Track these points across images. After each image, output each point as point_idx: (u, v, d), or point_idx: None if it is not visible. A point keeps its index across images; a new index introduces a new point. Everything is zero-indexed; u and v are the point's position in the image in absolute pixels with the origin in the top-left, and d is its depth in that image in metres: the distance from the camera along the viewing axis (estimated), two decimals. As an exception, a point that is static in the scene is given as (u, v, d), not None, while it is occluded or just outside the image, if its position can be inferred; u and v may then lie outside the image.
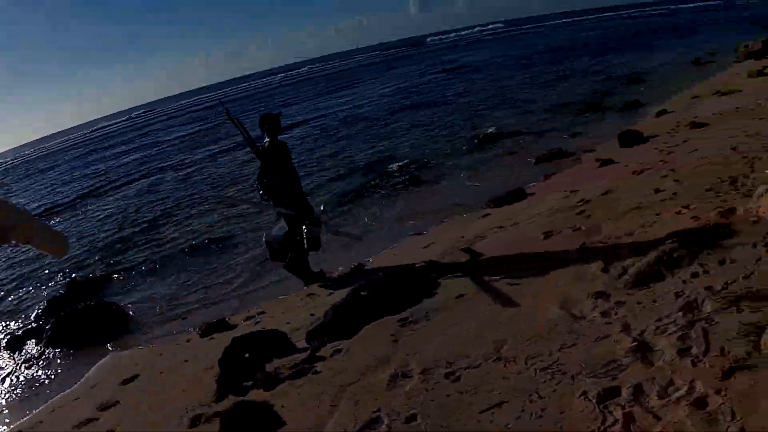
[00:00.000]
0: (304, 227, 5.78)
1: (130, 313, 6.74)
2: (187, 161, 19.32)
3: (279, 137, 5.84)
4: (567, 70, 21.17)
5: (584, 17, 76.72)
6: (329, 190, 10.56)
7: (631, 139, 8.07)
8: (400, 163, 11.00)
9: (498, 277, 4.27)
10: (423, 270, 5.12)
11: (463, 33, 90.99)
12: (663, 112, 9.81)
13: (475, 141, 11.72)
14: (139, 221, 11.76)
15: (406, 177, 9.97)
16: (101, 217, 13.55)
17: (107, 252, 9.93)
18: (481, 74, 26.45)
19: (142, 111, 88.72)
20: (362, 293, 4.52)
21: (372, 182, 10.22)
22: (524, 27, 77.49)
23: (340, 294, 5.00)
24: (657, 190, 5.12)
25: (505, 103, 16.51)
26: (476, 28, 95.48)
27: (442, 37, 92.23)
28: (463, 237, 5.83)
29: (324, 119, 22.16)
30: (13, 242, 1.44)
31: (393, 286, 4.56)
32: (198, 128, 31.21)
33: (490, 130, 12.10)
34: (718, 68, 14.79)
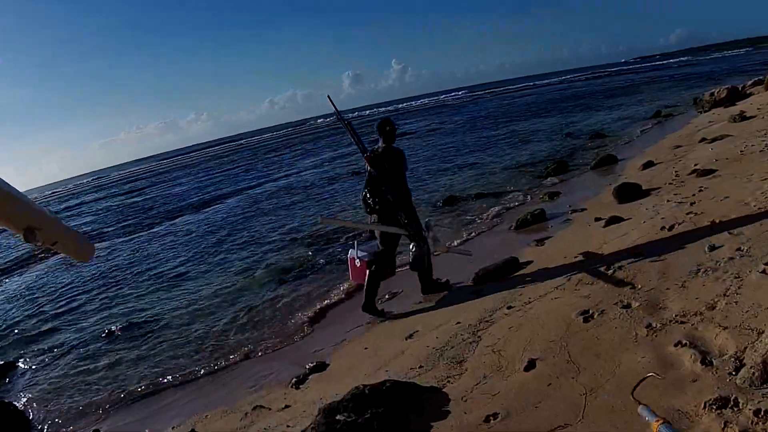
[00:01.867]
0: (412, 245, 5.80)
1: (32, 416, 5.77)
2: (108, 235, 17.83)
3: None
4: (523, 132, 21.28)
5: (525, 84, 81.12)
6: (272, 264, 9.35)
7: (630, 193, 7.40)
8: (349, 233, 9.91)
9: (540, 383, 3.13)
10: (416, 374, 3.91)
11: (399, 105, 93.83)
12: (650, 164, 9.29)
13: (438, 205, 10.91)
14: (51, 302, 10.39)
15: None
16: (9, 293, 12.12)
17: (7, 337, 8.73)
18: (426, 139, 26.40)
19: (79, 181, 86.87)
20: (339, 417, 3.27)
21: (319, 255, 9.20)
22: (461, 95, 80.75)
23: (301, 407, 3.89)
24: (713, 247, 4.22)
25: (459, 165, 16.07)
26: (421, 100, 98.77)
27: (379, 108, 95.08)
28: (458, 323, 4.70)
29: (259, 189, 21.41)
30: (39, 242, 1.44)
31: (382, 402, 3.31)
32: (130, 199, 29.98)
33: (448, 194, 11.33)
34: (683, 119, 14.98)
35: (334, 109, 5.79)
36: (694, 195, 6.19)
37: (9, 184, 1.24)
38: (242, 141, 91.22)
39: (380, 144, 5.72)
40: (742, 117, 10.69)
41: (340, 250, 8.97)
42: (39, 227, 1.40)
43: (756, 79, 16.07)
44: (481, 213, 9.54)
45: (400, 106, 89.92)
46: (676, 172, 7.88)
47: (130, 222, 19.73)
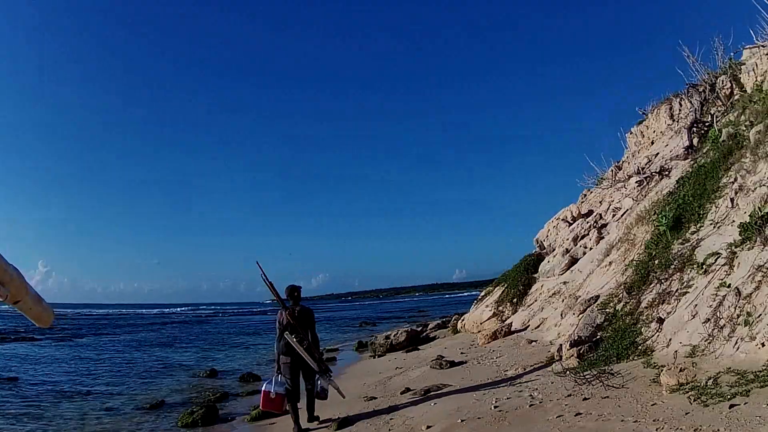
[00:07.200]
0: (318, 377, 7.46)
1: None
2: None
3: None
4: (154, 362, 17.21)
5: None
6: None
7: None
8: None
9: None
10: None
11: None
12: (345, 422, 6.87)
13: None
14: None
15: None
16: None
17: None
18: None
19: None
20: None
21: None
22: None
23: None
24: None
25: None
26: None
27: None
28: None
29: None
30: (2, 298, 1.37)
31: None
32: None
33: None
34: (346, 364, 13.72)
35: (261, 271, 7.54)
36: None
37: None
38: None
39: (292, 304, 7.59)
40: (450, 363, 9.77)
41: None
42: (6, 282, 1.35)
43: (438, 322, 17.39)
44: None
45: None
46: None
47: None
